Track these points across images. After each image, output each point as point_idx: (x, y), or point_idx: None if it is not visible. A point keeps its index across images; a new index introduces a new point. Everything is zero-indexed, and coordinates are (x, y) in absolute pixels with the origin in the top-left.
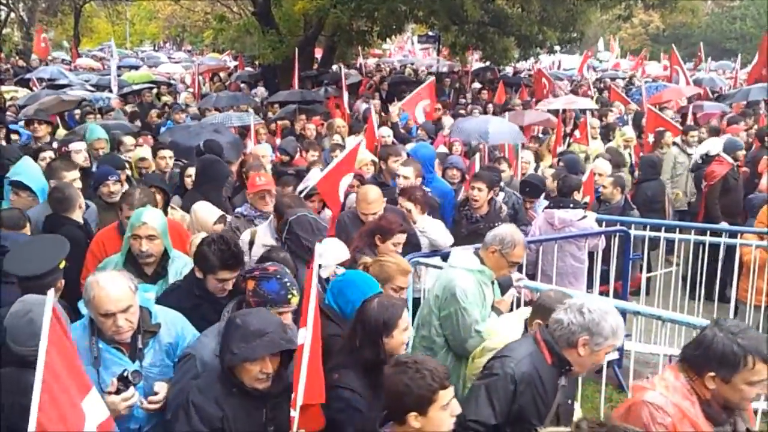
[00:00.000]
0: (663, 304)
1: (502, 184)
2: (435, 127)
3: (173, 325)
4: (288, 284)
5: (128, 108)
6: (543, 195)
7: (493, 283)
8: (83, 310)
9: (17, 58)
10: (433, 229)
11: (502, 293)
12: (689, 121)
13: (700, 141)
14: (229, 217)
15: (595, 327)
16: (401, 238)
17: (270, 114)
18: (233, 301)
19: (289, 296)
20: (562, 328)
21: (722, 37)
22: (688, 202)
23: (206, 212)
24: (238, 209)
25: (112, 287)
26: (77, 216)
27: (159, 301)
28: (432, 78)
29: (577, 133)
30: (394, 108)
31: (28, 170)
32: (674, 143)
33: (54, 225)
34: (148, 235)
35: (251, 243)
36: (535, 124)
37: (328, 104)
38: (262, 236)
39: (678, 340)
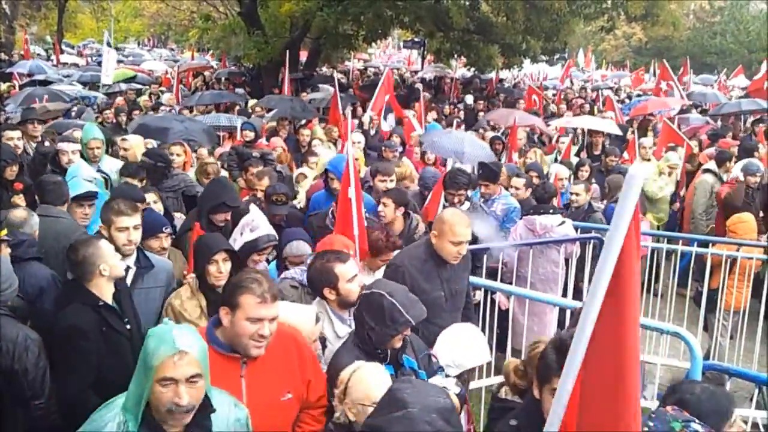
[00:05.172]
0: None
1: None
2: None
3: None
4: None
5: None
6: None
7: None
8: None
9: None
10: None
11: None
12: None
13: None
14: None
15: None
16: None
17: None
18: None
19: None
20: None
21: (703, 52)
22: None
23: (295, 315)
24: (290, 274)
25: None
26: (100, 287)
27: None
28: (388, 68)
29: (626, 154)
30: (366, 117)
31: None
32: (708, 170)
33: (69, 296)
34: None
35: (323, 338)
36: (524, 126)
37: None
38: (329, 325)
39: (648, 343)
